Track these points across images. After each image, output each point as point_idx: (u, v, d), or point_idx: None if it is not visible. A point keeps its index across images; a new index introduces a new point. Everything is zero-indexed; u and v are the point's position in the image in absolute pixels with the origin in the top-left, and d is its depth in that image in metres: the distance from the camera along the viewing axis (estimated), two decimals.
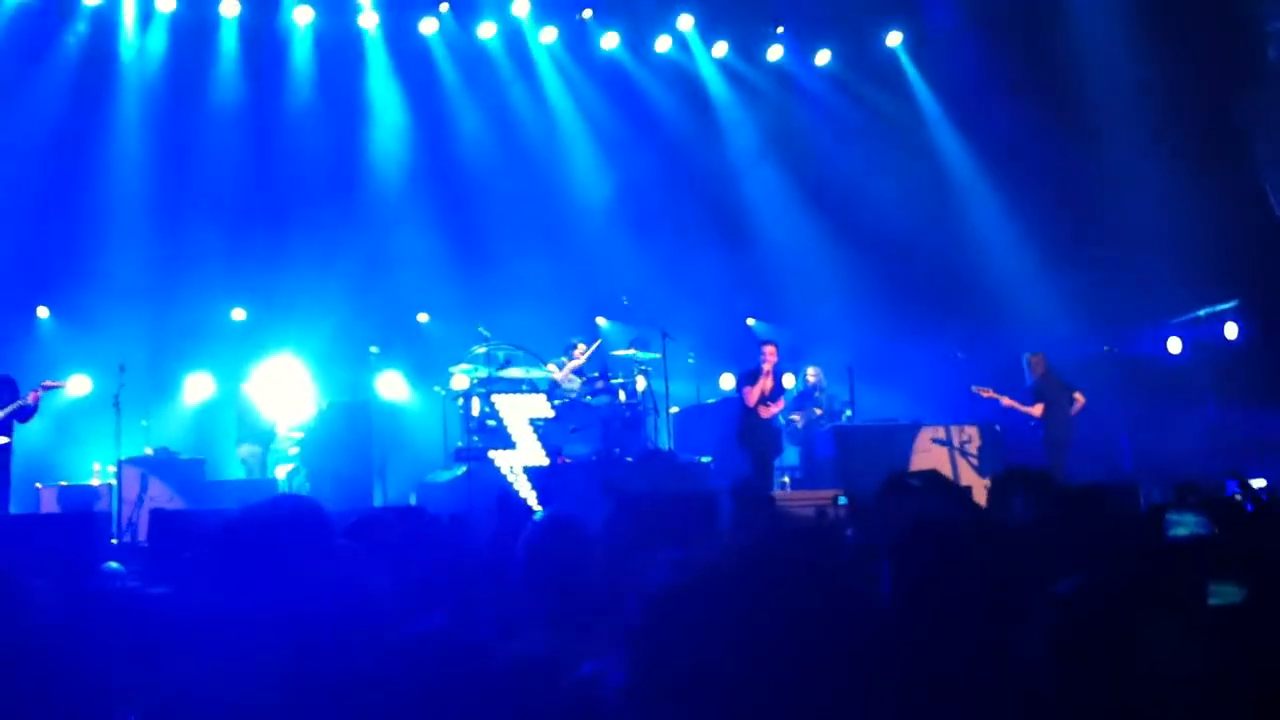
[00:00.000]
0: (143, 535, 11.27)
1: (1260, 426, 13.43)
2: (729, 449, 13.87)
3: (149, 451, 13.55)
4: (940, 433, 14.35)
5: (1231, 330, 14.75)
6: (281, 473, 14.09)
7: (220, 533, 2.59)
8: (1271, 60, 14.17)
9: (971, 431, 14.18)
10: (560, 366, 14.64)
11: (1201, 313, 15.11)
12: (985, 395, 14.04)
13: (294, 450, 14.24)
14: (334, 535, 2.62)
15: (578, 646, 2.38)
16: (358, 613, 2.17)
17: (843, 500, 8.27)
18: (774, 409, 13.24)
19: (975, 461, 14.02)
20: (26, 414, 11.78)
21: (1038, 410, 13.83)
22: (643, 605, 1.75)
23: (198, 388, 15.55)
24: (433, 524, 4.11)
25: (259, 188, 16.03)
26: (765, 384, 12.97)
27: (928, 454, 14.27)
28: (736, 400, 13.50)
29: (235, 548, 2.51)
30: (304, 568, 2.40)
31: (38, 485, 12.88)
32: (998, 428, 14.29)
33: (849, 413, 15.17)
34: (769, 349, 13.14)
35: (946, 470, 13.67)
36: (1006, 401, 13.98)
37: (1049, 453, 13.75)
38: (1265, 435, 13.28)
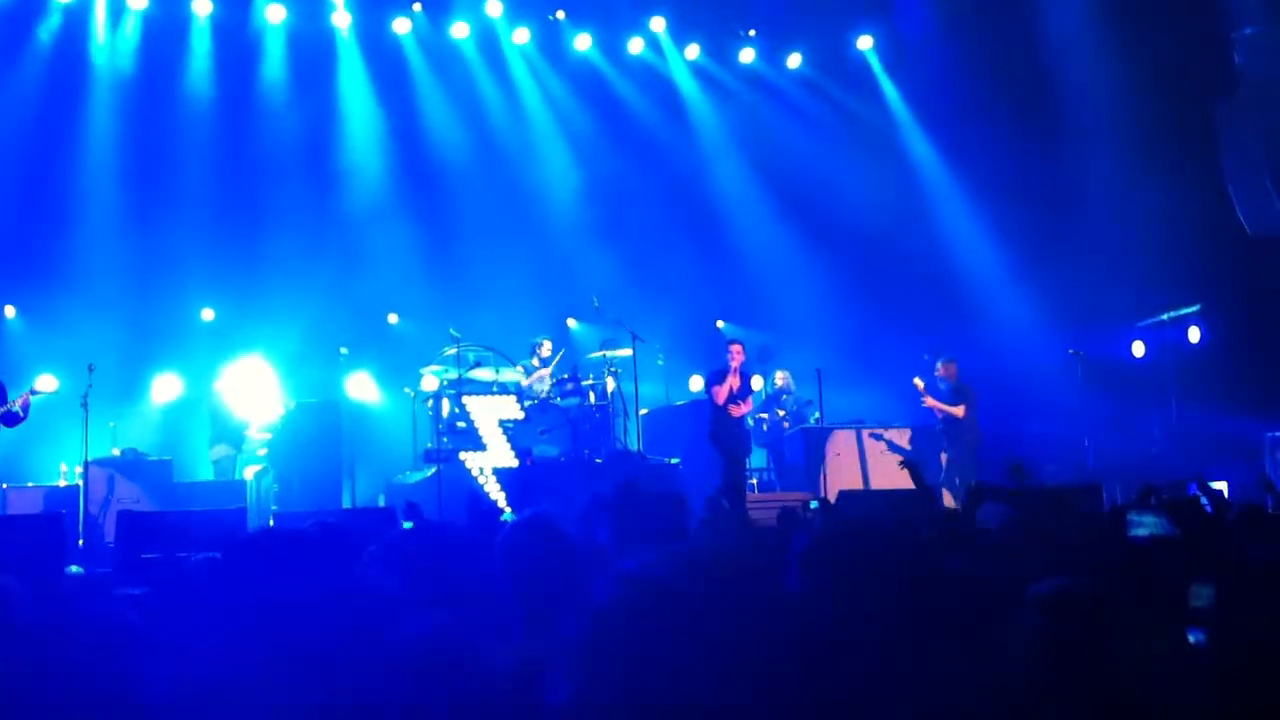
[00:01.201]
0: (110, 536, 11.21)
1: (1221, 428, 13.60)
2: (698, 450, 13.94)
3: (116, 452, 13.46)
4: (894, 436, 14.59)
5: (1194, 334, 14.92)
6: (250, 474, 14.03)
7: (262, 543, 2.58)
8: (1239, 67, 14.33)
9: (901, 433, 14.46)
10: (527, 367, 14.65)
11: (1165, 316, 15.27)
12: (920, 389, 14.28)
13: (262, 451, 14.19)
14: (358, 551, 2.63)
15: (558, 648, 2.42)
16: (358, 614, 2.19)
17: (814, 505, 8.34)
18: (744, 408, 13.30)
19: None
20: (13, 421, 11.66)
21: (961, 411, 14.06)
22: (588, 620, 1.77)
23: (166, 388, 15.45)
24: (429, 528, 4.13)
25: (229, 188, 15.94)
26: (733, 381, 13.03)
27: (885, 456, 14.43)
28: (706, 401, 13.56)
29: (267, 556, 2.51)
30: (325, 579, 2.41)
31: (3, 486, 12.78)
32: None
33: (817, 415, 15.26)
34: (735, 347, 13.23)
35: (903, 472, 13.82)
36: (929, 401, 14.19)
37: (963, 454, 13.94)
38: (1226, 437, 13.45)
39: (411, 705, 1.72)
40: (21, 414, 11.64)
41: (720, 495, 10.71)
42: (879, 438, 14.65)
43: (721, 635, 1.71)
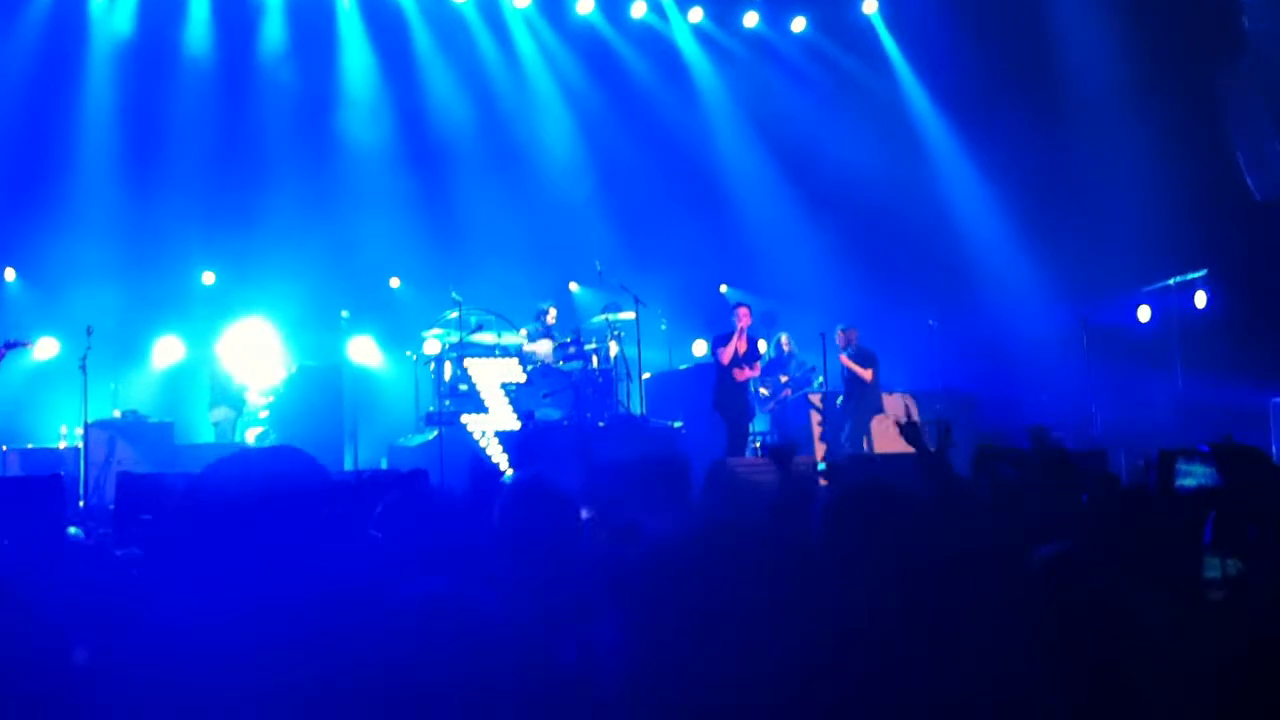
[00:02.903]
0: (110, 498, 11.20)
1: (1227, 394, 13.54)
2: (700, 414, 13.93)
3: (117, 415, 13.45)
4: (899, 401, 14.57)
5: (1201, 299, 14.84)
6: (251, 436, 14.02)
7: (189, 496, 2.52)
8: (1246, 31, 14.19)
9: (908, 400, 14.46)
10: (531, 333, 14.60)
11: (1171, 281, 15.18)
12: (840, 345, 14.32)
13: (264, 414, 14.18)
14: (330, 499, 2.58)
15: (558, 608, 2.38)
16: (351, 577, 2.14)
17: (821, 466, 8.30)
18: (750, 372, 13.29)
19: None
20: None
21: (869, 374, 14.02)
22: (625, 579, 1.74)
23: (167, 351, 15.42)
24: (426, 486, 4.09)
25: (229, 151, 15.86)
26: (739, 344, 13.01)
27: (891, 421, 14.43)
28: (712, 364, 13.53)
29: (210, 513, 2.44)
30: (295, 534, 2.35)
31: (2, 448, 12.77)
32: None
33: (820, 379, 15.20)
34: (743, 310, 13.22)
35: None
36: (844, 360, 14.20)
37: (862, 417, 13.99)
38: (1231, 403, 13.39)
39: (415, 665, 1.68)
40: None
41: (725, 460, 10.67)
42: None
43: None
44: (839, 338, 14.37)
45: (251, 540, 2.35)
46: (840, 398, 14.50)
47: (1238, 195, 14.32)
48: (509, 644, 1.76)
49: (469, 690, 1.66)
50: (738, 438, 13.06)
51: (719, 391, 13.14)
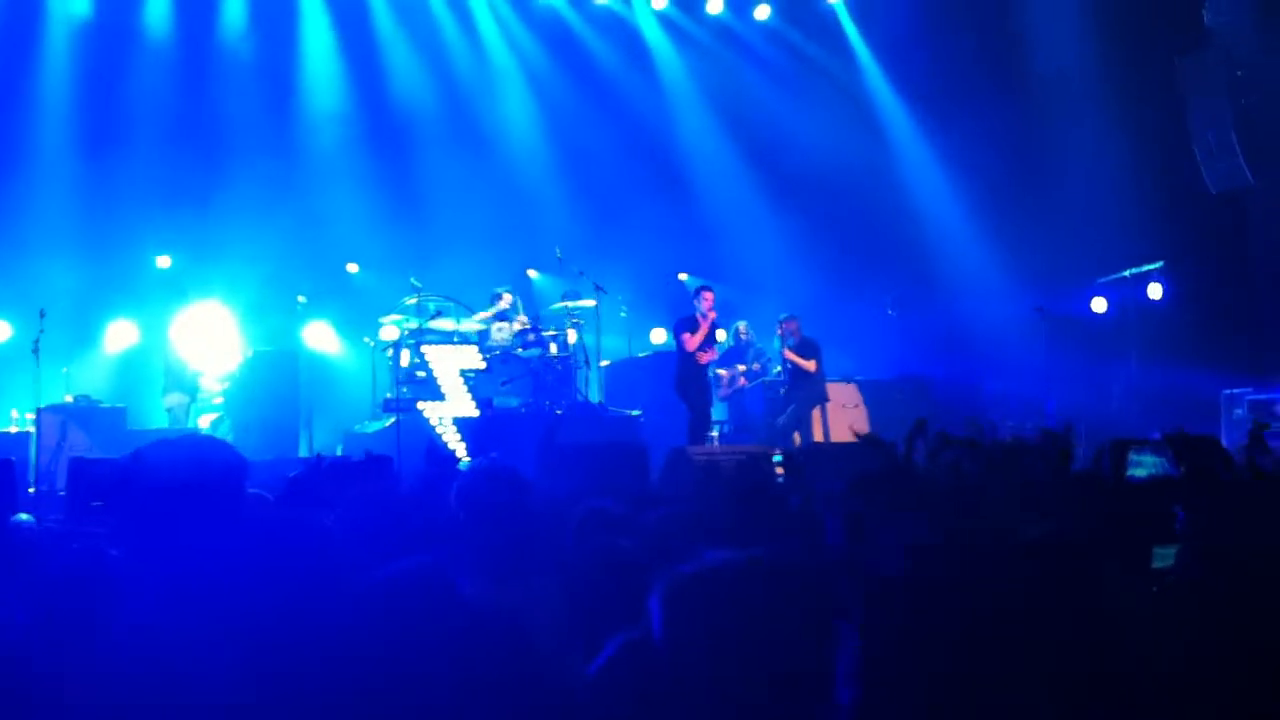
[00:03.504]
0: (61, 484, 11.05)
1: (1181, 385, 13.67)
2: (659, 402, 13.90)
3: (69, 399, 13.28)
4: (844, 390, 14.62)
5: (1156, 290, 14.98)
6: (206, 422, 13.89)
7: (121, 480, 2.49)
8: (1207, 26, 14.30)
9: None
10: (486, 319, 14.53)
11: (1127, 273, 15.31)
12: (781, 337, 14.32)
13: (218, 400, 14.05)
14: (244, 482, 2.57)
15: (519, 593, 2.35)
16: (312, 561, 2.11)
17: (777, 459, 8.28)
18: (710, 355, 13.25)
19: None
20: None
21: (812, 365, 14.04)
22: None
23: (120, 335, 15.24)
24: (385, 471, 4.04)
25: (186, 132, 15.69)
26: (706, 328, 12.95)
27: (852, 410, 14.48)
28: (671, 353, 13.47)
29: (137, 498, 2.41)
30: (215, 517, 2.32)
31: None
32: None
33: (778, 368, 15.23)
34: (708, 294, 13.12)
35: (865, 426, 13.93)
36: (788, 353, 14.18)
37: (804, 408, 13.98)
38: (1185, 394, 13.53)
39: (395, 645, 1.65)
40: None
41: (684, 448, 10.65)
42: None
43: None
44: (779, 329, 14.32)
45: (193, 525, 2.32)
46: (784, 388, 14.47)
47: (1194, 187, 14.43)
48: (489, 623, 1.74)
49: (443, 673, 1.63)
50: (700, 423, 13.01)
51: (682, 376, 13.02)
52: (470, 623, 1.68)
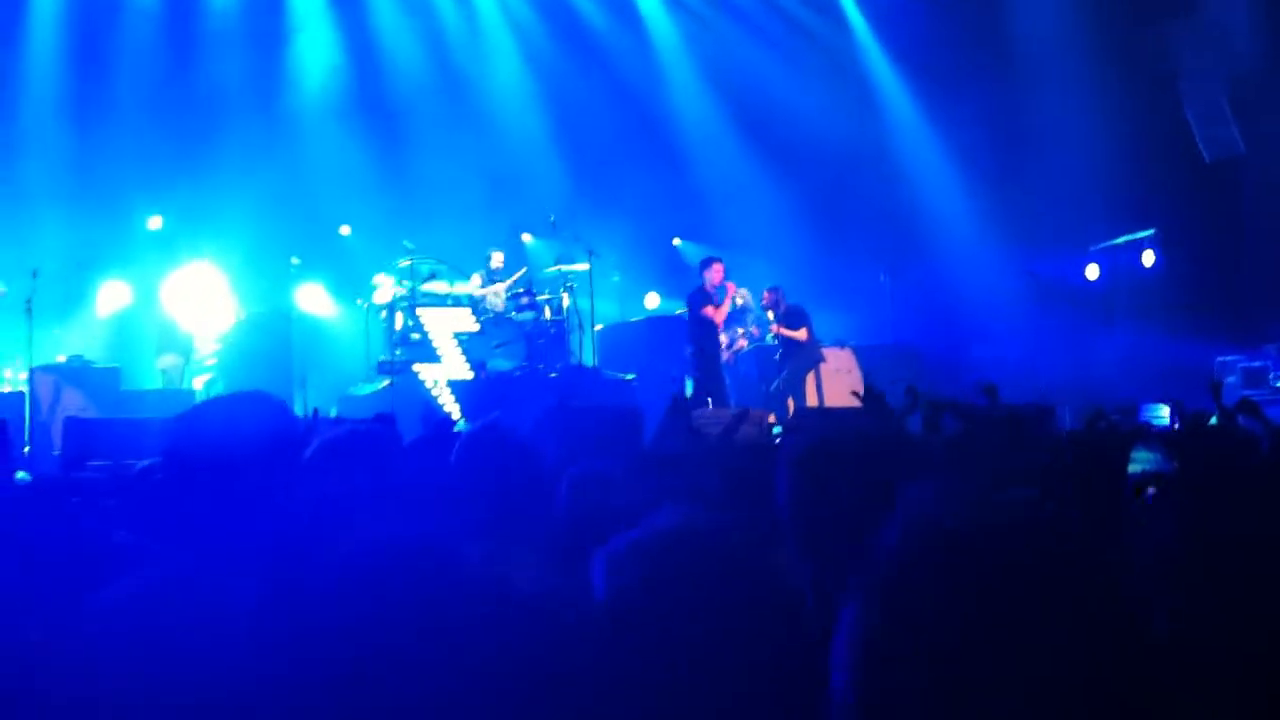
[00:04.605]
0: (56, 444, 11.07)
1: (1172, 352, 13.72)
2: (653, 366, 13.94)
3: (62, 359, 13.26)
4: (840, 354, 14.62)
5: (1148, 258, 15.00)
6: (199, 383, 13.88)
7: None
8: None
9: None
10: (483, 280, 14.52)
11: (1120, 240, 15.33)
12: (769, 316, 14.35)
13: (212, 361, 14.04)
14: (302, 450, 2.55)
15: (521, 558, 2.37)
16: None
17: (777, 430, 8.30)
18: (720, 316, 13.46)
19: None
20: None
21: (803, 334, 14.04)
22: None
23: (113, 296, 15.20)
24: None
25: (178, 93, 15.62)
26: (729, 302, 13.19)
27: (846, 375, 14.49)
28: (696, 320, 13.42)
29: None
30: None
31: None
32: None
33: (772, 337, 15.25)
34: (718, 265, 13.32)
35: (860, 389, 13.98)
36: (776, 328, 14.17)
37: (797, 376, 13.99)
38: (1176, 361, 13.58)
39: (394, 607, 1.66)
40: None
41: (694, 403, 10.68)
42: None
43: None
44: (765, 299, 14.29)
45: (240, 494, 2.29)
46: (779, 353, 14.48)
47: (1187, 155, 14.44)
48: (488, 585, 1.75)
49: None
50: (714, 393, 13.09)
51: (702, 348, 13.17)
52: (476, 591, 1.69)
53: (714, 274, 13.20)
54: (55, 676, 1.94)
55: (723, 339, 15.54)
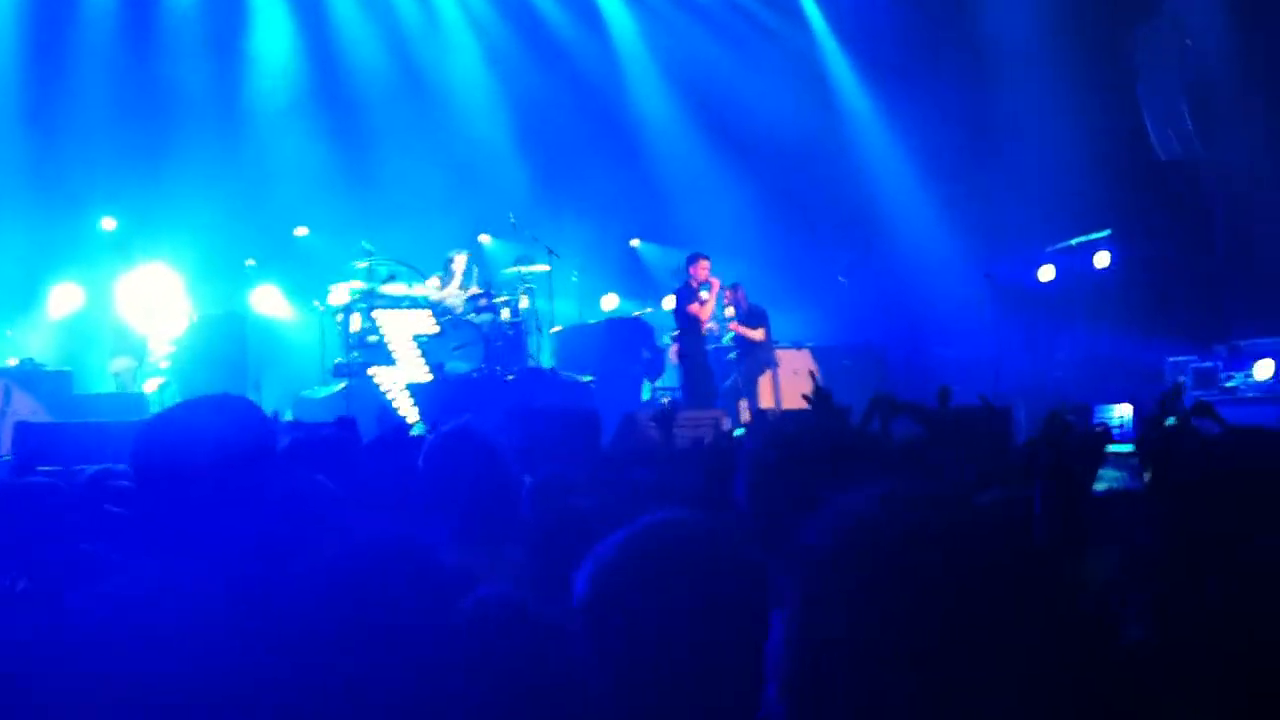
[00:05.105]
0: (6, 448, 10.90)
1: (1126, 353, 13.84)
2: (610, 368, 13.92)
3: (13, 362, 13.07)
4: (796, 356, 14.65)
5: (1103, 259, 15.11)
6: (152, 386, 13.73)
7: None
8: None
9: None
10: (442, 278, 14.45)
11: (1074, 241, 15.43)
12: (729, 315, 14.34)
13: (165, 364, 13.90)
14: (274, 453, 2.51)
15: (486, 559, 2.35)
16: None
17: (739, 431, 8.31)
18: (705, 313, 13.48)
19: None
20: None
21: (760, 334, 14.08)
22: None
23: (65, 298, 15.00)
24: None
25: (132, 91, 15.44)
26: (714, 297, 13.15)
27: (805, 376, 14.51)
28: (681, 316, 13.42)
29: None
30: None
31: None
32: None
33: (730, 336, 15.27)
34: (704, 262, 13.31)
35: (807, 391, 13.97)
36: (734, 326, 14.22)
37: (752, 376, 14.03)
38: (1131, 361, 13.70)
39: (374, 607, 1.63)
40: None
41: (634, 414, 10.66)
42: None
43: None
44: (726, 297, 14.29)
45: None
46: (734, 353, 14.48)
47: (1143, 155, 14.57)
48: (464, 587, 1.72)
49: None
50: (703, 389, 13.09)
51: (690, 346, 13.24)
52: (453, 593, 1.67)
53: (699, 270, 13.21)
54: (30, 680, 1.91)
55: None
